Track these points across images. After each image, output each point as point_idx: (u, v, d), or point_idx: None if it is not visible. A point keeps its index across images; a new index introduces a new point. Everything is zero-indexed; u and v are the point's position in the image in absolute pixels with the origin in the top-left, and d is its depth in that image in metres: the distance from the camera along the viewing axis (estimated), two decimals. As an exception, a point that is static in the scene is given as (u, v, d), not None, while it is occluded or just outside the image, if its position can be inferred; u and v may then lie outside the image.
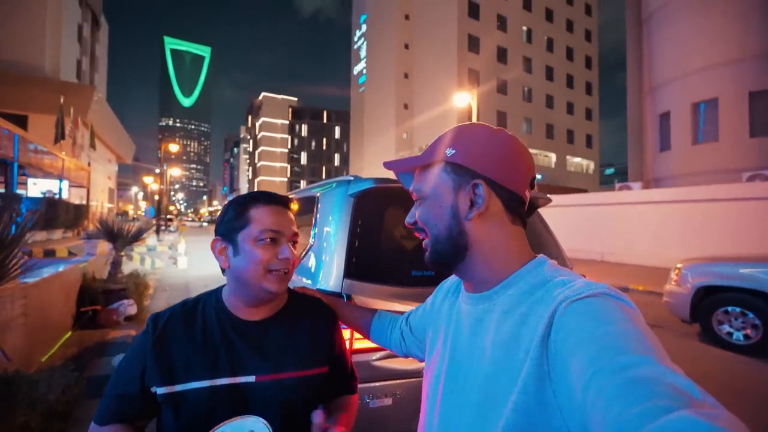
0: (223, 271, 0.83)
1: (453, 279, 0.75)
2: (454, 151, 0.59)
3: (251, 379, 0.77)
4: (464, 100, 13.73)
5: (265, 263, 0.78)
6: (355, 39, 56.83)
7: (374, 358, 1.42)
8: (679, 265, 4.75)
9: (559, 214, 14.22)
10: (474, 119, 13.68)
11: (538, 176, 32.95)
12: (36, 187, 13.85)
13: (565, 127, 36.68)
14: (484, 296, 0.58)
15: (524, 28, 33.98)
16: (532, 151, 33.94)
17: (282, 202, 0.85)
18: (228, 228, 0.81)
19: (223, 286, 0.86)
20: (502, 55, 32.31)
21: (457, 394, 0.57)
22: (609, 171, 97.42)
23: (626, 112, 19.96)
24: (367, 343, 1.40)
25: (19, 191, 11.43)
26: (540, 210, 2.16)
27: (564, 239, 2.17)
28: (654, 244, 11.43)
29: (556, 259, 2.14)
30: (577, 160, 38.25)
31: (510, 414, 0.46)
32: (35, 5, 18.65)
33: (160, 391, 0.74)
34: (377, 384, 1.39)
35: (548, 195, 2.09)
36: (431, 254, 0.61)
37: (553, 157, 35.91)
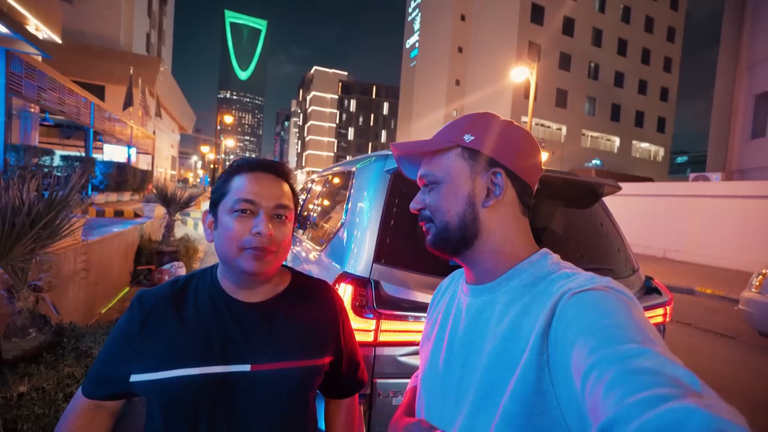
0: None
1: (449, 277, 0.75)
2: (472, 138, 0.58)
3: (246, 368, 0.69)
4: (522, 75, 12.75)
5: (237, 238, 0.68)
6: (410, 11, 54.80)
7: (401, 353, 1.30)
8: (765, 271, 4.23)
9: (617, 204, 13.02)
10: (531, 96, 12.74)
11: (597, 161, 30.49)
12: (110, 152, 15.24)
13: (635, 109, 33.24)
14: (487, 288, 0.58)
15: (597, -5, 30.66)
16: (593, 134, 31.75)
17: (268, 168, 0.73)
18: (213, 199, 0.73)
19: (218, 264, 0.78)
20: (568, 26, 29.51)
21: (455, 384, 0.57)
22: (681, 159, 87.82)
23: (712, 93, 17.44)
24: (394, 336, 1.29)
25: (97, 155, 12.63)
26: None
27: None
28: (731, 245, 10.09)
29: (619, 253, 1.89)
30: (645, 145, 34.75)
31: (507, 402, 0.47)
32: (112, -19, 19.84)
33: (143, 378, 0.67)
34: (404, 381, 1.28)
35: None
36: (436, 239, 0.60)
37: (617, 141, 32.93)
